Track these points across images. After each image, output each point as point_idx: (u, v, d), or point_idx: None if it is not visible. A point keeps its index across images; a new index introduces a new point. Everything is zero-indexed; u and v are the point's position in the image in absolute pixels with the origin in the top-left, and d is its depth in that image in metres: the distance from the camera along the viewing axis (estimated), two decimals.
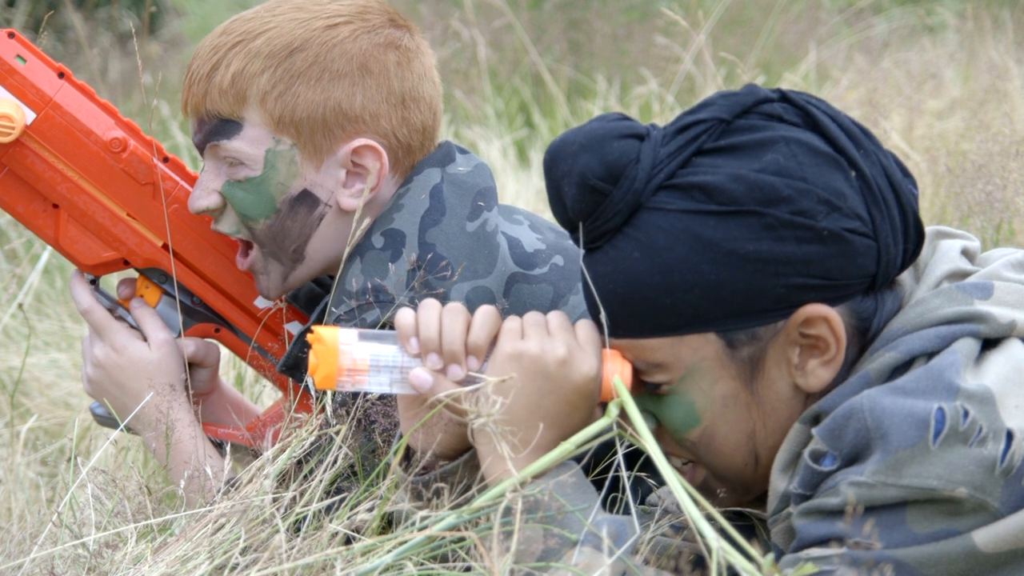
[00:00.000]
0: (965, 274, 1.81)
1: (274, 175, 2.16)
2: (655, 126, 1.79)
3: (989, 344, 1.73)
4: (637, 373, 1.80)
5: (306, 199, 2.17)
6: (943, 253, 1.82)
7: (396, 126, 2.17)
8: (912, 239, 1.79)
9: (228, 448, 2.20)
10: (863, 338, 1.78)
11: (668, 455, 1.82)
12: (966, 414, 1.64)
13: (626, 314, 1.77)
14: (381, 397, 2.01)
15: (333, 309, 2.13)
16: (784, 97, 1.79)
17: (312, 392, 2.10)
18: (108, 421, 2.32)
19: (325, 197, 2.17)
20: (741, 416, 1.79)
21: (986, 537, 1.64)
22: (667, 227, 1.74)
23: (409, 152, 2.20)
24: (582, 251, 1.82)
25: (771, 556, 1.56)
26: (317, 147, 2.16)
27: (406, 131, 2.18)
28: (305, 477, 1.99)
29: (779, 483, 1.77)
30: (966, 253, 1.84)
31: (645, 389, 1.81)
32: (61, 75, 2.21)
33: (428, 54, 2.24)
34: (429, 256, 2.11)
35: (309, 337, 1.83)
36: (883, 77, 5.09)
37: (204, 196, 2.20)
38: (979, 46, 5.99)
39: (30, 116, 2.19)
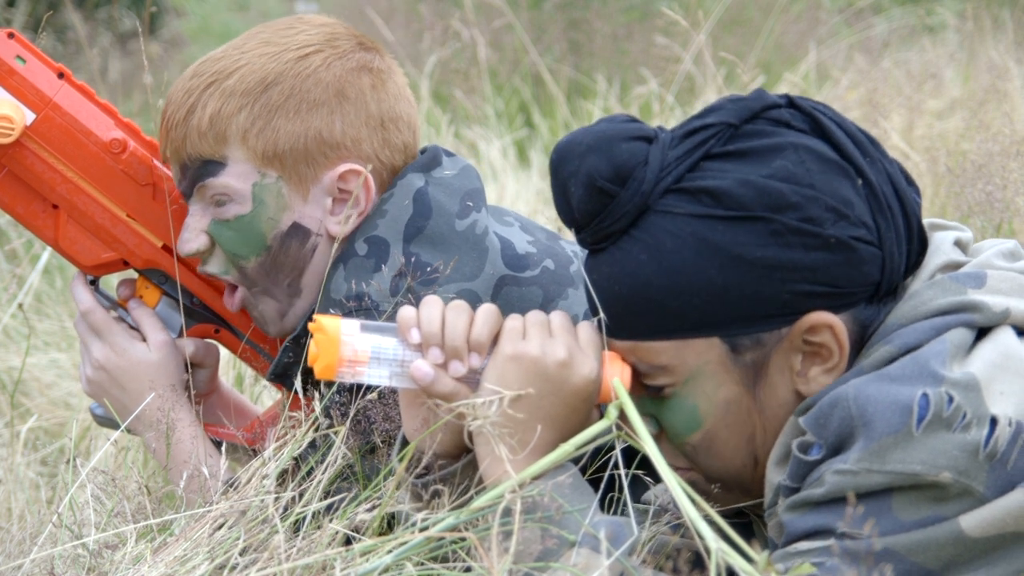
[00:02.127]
0: (958, 265, 1.81)
1: (263, 210, 2.15)
2: (663, 128, 1.79)
3: (983, 333, 1.74)
4: (639, 376, 1.80)
5: (297, 233, 2.16)
6: (936, 245, 1.82)
7: (378, 148, 2.17)
8: (915, 247, 1.79)
9: (224, 448, 2.20)
10: (863, 344, 1.78)
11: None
12: (950, 400, 1.64)
13: (631, 316, 1.77)
14: (381, 397, 2.01)
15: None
16: (792, 103, 1.80)
17: (301, 395, 2.10)
18: (108, 421, 2.32)
19: (315, 228, 2.17)
20: (742, 420, 1.79)
21: (972, 522, 1.65)
22: (674, 230, 1.74)
23: (393, 172, 2.19)
24: (585, 252, 1.82)
25: (766, 553, 1.56)
26: (302, 177, 2.15)
27: (388, 152, 2.18)
28: (304, 477, 1.99)
29: (774, 477, 1.77)
30: (959, 244, 1.85)
31: (646, 392, 1.81)
32: (61, 75, 2.21)
33: (399, 73, 2.23)
34: (413, 261, 2.11)
35: (311, 326, 1.82)
36: (883, 77, 5.09)
37: (193, 239, 2.19)
38: (979, 46, 5.99)
39: (30, 117, 2.19)
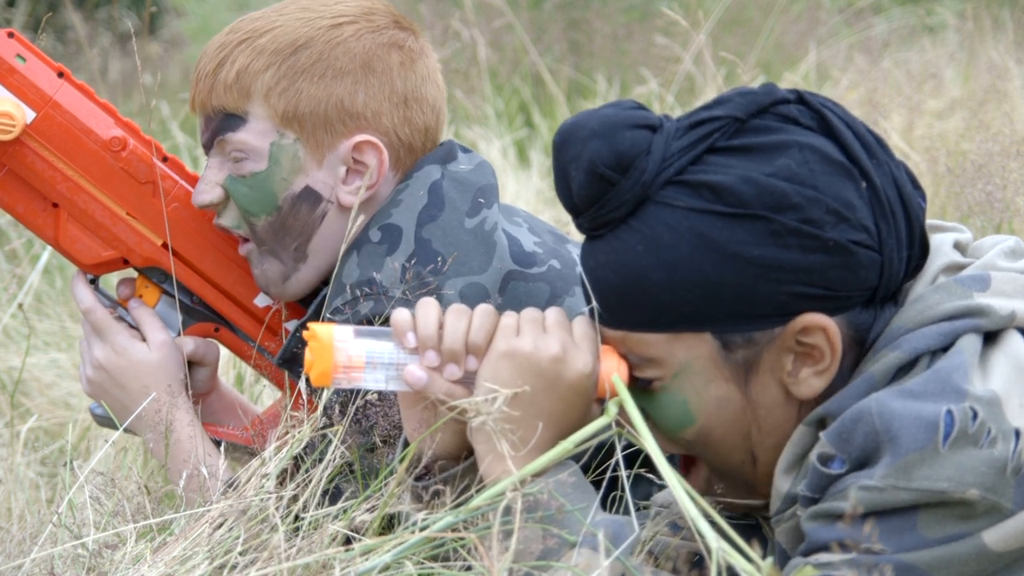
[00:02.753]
0: (960, 267, 1.80)
1: (278, 170, 2.18)
2: (668, 117, 1.78)
3: (990, 336, 1.73)
4: (629, 367, 1.80)
5: (308, 196, 2.18)
6: (936, 247, 1.81)
7: (398, 125, 2.19)
8: (916, 252, 1.78)
9: (223, 448, 2.19)
10: (859, 348, 1.77)
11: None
12: (975, 416, 1.63)
13: (623, 306, 1.77)
14: (381, 397, 2.01)
15: (332, 304, 2.14)
16: (801, 99, 1.78)
17: (304, 393, 2.10)
18: (107, 421, 2.32)
19: (327, 194, 2.19)
20: (736, 418, 1.78)
21: (995, 536, 1.63)
22: (673, 223, 1.73)
23: (411, 152, 2.21)
24: (584, 237, 1.81)
25: (771, 560, 1.56)
26: (319, 143, 2.17)
27: (408, 130, 2.20)
28: (304, 475, 1.99)
29: (782, 484, 1.76)
30: (958, 246, 1.83)
31: (636, 385, 1.80)
32: (61, 75, 2.21)
33: (432, 57, 2.26)
34: (424, 252, 2.12)
35: (304, 334, 1.82)
36: (883, 77, 5.09)
37: (208, 190, 2.21)
38: (979, 46, 5.99)
39: (30, 115, 2.19)
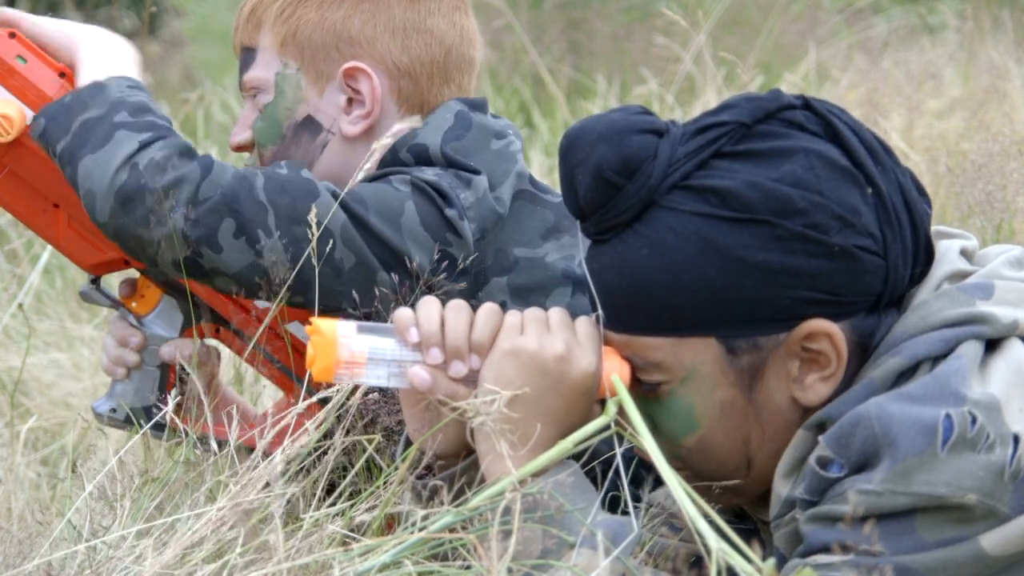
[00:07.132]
0: (965, 274, 1.80)
1: (283, 99, 2.21)
2: (675, 123, 1.78)
3: (992, 344, 1.73)
4: (634, 370, 1.80)
5: (309, 125, 2.21)
6: (942, 254, 1.81)
7: (395, 53, 2.20)
8: (921, 259, 1.78)
9: (231, 442, 2.19)
10: (862, 354, 1.77)
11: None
12: (974, 420, 1.63)
13: (628, 310, 1.77)
14: (386, 398, 2.01)
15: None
16: (807, 105, 1.78)
17: (306, 390, 2.10)
18: (110, 421, 2.32)
19: (328, 124, 2.21)
20: (737, 423, 1.78)
21: (993, 540, 1.64)
22: (678, 227, 1.74)
23: (414, 83, 2.22)
24: (588, 242, 1.82)
25: (772, 561, 1.56)
26: (319, 72, 2.20)
27: (407, 60, 2.20)
28: (306, 475, 1.99)
29: (782, 488, 1.76)
30: (964, 253, 1.83)
31: (641, 391, 1.80)
32: (62, 75, 2.22)
33: (453, 4, 2.24)
34: (452, 164, 2.14)
35: (307, 329, 1.82)
36: (883, 77, 5.09)
37: (240, 132, 2.26)
38: (979, 46, 5.99)
39: (30, 116, 2.19)
